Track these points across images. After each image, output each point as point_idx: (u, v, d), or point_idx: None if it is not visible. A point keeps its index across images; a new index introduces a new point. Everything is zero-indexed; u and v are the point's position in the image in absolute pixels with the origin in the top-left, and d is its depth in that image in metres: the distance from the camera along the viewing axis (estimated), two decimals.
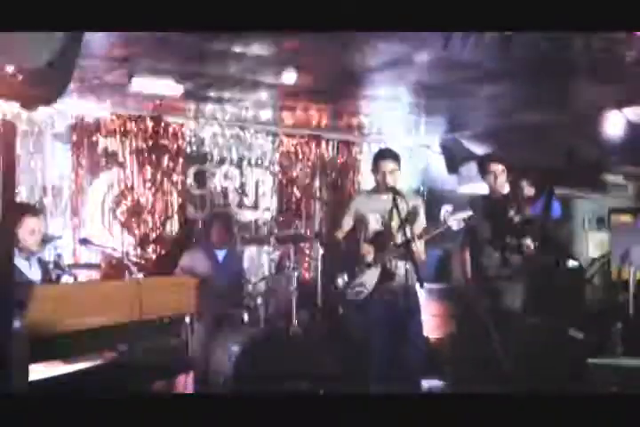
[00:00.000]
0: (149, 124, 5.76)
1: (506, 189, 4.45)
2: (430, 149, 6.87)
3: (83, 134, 5.47)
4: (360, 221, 4.31)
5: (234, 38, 3.74)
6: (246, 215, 6.33)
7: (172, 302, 3.24)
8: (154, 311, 3.02)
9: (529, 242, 4.21)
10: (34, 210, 3.99)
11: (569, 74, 4.13)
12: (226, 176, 6.23)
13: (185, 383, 3.91)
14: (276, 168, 6.50)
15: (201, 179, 6.10)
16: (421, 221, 4.29)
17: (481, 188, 4.71)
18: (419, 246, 4.09)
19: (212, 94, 5.18)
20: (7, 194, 2.27)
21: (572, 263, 5.76)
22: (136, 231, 5.71)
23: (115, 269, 5.25)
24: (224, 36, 3.68)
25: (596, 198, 6.43)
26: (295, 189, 6.58)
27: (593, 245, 6.43)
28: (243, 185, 6.30)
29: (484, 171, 4.47)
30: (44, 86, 2.69)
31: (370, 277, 4.21)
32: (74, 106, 5.28)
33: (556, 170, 5.17)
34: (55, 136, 5.37)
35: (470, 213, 4.04)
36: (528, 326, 4.29)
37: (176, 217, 5.92)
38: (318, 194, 6.69)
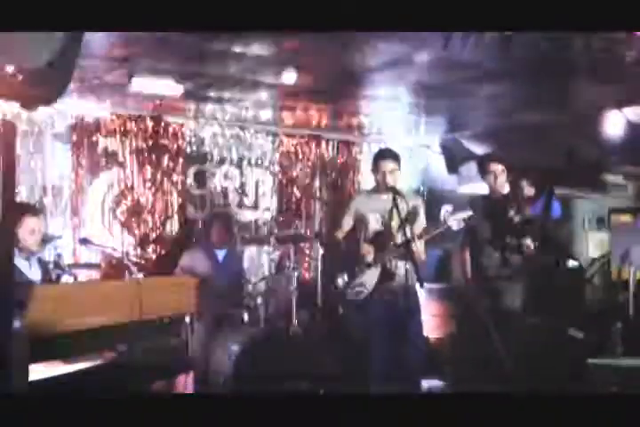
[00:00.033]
0: (149, 124, 5.76)
1: (506, 189, 4.45)
2: (430, 149, 6.86)
3: (83, 134, 5.46)
4: (360, 221, 4.31)
5: (234, 38, 3.74)
6: (246, 215, 6.33)
7: (172, 302, 3.24)
8: (154, 311, 3.02)
9: (529, 242, 4.21)
10: (34, 210, 3.99)
11: (569, 74, 4.13)
12: (226, 176, 6.23)
13: (185, 383, 3.91)
14: (276, 168, 6.49)
15: (201, 179, 6.09)
16: (421, 221, 4.29)
17: (481, 188, 4.71)
18: (419, 246, 4.09)
19: (212, 94, 5.18)
20: (7, 194, 2.28)
21: (571, 263, 5.76)
22: (136, 231, 5.71)
23: (115, 269, 5.25)
24: (224, 36, 3.68)
25: (596, 198, 6.43)
26: (295, 189, 6.58)
27: (593, 245, 6.43)
28: (243, 185, 6.30)
29: (483, 171, 4.47)
30: (44, 86, 2.70)
31: (370, 277, 4.21)
32: (74, 106, 5.28)
33: (556, 170, 5.17)
34: (55, 136, 5.36)
35: (470, 213, 4.04)
36: (528, 326, 4.29)
37: (176, 217, 5.92)
38: (318, 194, 6.69)
